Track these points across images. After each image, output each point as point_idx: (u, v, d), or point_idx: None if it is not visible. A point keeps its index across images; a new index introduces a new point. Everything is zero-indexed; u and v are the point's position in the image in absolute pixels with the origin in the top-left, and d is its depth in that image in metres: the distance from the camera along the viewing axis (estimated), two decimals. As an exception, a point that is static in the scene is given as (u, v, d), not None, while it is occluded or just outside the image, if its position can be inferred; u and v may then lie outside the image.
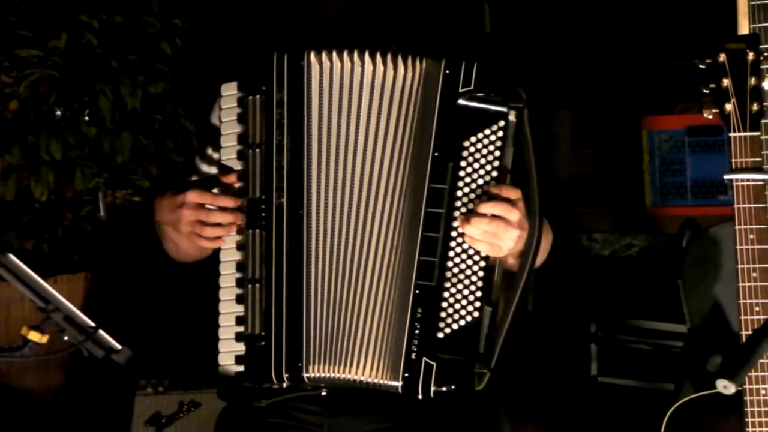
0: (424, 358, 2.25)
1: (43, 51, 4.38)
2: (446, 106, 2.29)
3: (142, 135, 4.54)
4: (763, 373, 2.40)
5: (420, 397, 2.26)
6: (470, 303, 2.25)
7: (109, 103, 4.36)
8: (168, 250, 2.62)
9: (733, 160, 2.41)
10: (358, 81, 2.34)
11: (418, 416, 2.35)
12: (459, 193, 2.27)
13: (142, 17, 4.58)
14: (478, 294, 2.25)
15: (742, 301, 2.41)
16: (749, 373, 2.39)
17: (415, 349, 2.26)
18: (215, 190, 2.40)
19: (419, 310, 2.26)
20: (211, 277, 2.43)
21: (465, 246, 2.26)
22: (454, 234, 2.26)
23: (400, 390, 2.27)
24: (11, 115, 4.32)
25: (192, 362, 3.75)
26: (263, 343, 2.34)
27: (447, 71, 2.30)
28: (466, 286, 2.26)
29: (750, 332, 2.38)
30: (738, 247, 2.41)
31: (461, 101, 2.28)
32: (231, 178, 2.39)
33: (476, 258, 2.26)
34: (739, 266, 2.41)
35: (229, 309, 2.39)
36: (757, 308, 2.39)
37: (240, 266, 2.38)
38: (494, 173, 2.26)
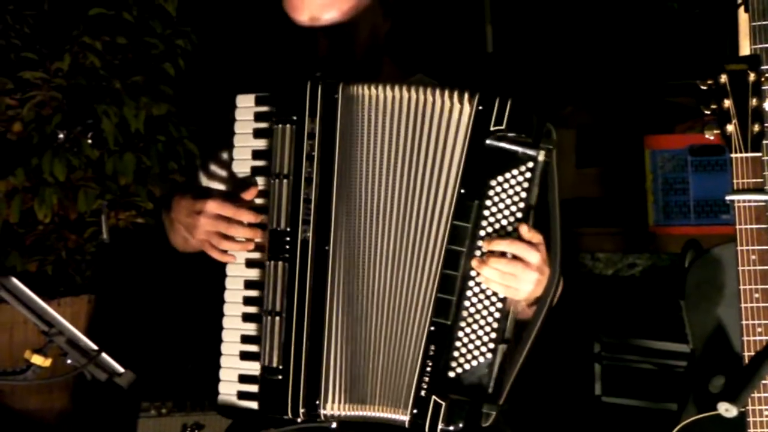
0: (434, 397, 2.23)
1: (46, 73, 4.39)
2: (475, 142, 2.25)
3: (146, 156, 4.54)
4: (765, 395, 2.40)
5: None
6: (484, 344, 2.23)
7: (113, 125, 4.37)
8: (174, 243, 2.60)
9: (735, 181, 2.41)
10: (389, 113, 2.31)
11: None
12: (482, 233, 2.24)
13: (145, 39, 4.59)
14: (493, 335, 2.22)
15: (744, 322, 2.40)
16: (752, 395, 2.38)
17: (425, 387, 2.24)
18: (234, 201, 2.38)
19: (432, 348, 2.24)
20: (214, 298, 2.42)
21: (483, 286, 2.23)
22: (473, 273, 2.23)
23: (406, 425, 2.26)
24: (15, 137, 4.33)
25: (195, 385, 3.75)
26: (280, 377, 2.32)
27: (480, 107, 2.25)
28: (481, 327, 2.23)
29: (752, 353, 2.38)
30: (740, 268, 2.41)
31: (491, 140, 2.24)
32: (251, 194, 2.39)
33: (493, 299, 2.23)
34: (741, 287, 2.41)
35: (234, 326, 2.37)
36: (759, 329, 2.39)
37: (248, 284, 2.37)
38: (519, 214, 2.23)
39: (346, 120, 2.32)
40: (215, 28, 4.92)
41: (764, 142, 2.41)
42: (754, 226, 2.40)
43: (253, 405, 2.36)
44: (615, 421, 4.48)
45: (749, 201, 2.40)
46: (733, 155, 2.41)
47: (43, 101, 4.37)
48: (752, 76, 2.38)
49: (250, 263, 2.38)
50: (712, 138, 2.44)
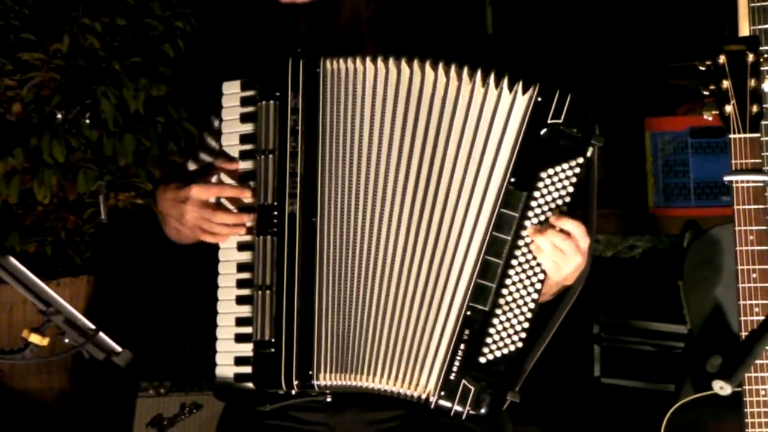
0: (464, 381, 2.24)
1: (45, 54, 4.39)
2: (530, 133, 2.24)
3: (145, 138, 4.55)
4: (762, 374, 2.40)
5: (451, 415, 2.26)
6: (516, 333, 2.23)
7: (112, 106, 4.38)
8: (168, 234, 2.61)
9: (733, 161, 2.41)
10: (392, 90, 2.30)
11: (423, 412, 2.34)
12: (527, 223, 2.24)
13: (144, 20, 4.59)
14: (525, 325, 2.23)
15: (741, 302, 2.41)
16: (749, 374, 2.39)
17: (455, 370, 2.25)
18: (216, 179, 2.40)
19: (467, 332, 2.25)
20: (212, 279, 2.42)
21: (522, 276, 2.23)
22: (514, 263, 2.24)
23: (432, 406, 2.27)
24: (14, 117, 4.33)
25: (193, 364, 3.76)
26: (273, 350, 2.32)
27: (539, 98, 2.25)
28: (515, 316, 2.23)
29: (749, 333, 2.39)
30: (738, 248, 2.41)
31: (546, 132, 2.24)
32: (233, 166, 2.38)
33: (530, 289, 2.23)
34: (739, 267, 2.41)
35: (228, 309, 2.38)
36: (756, 309, 2.40)
37: (241, 267, 2.38)
38: (564, 208, 2.24)
39: (333, 95, 2.33)
40: (206, 12, 4.92)
41: (763, 122, 2.41)
42: (752, 207, 2.40)
43: (250, 385, 2.36)
44: (614, 402, 4.49)
45: (747, 181, 2.40)
46: (731, 136, 2.41)
47: (42, 82, 4.37)
48: (751, 57, 2.38)
49: (241, 246, 2.38)
50: (710, 119, 2.44)
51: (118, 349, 2.30)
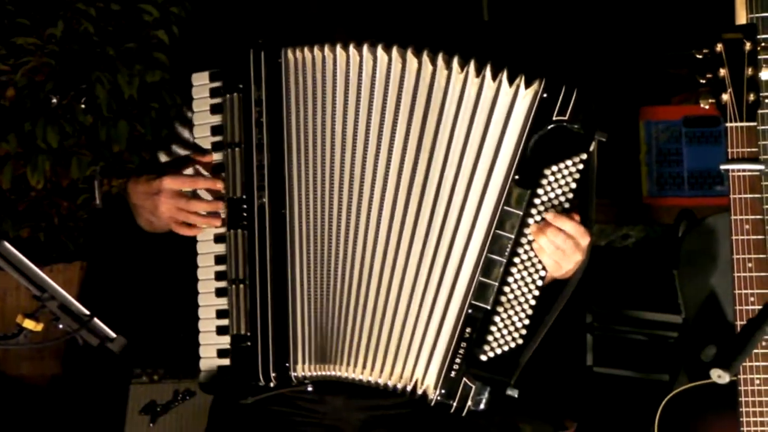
0: (464, 378, 2.25)
1: (39, 39, 4.39)
2: (535, 130, 2.22)
3: (139, 124, 4.54)
4: (757, 363, 2.41)
5: (451, 412, 2.26)
6: (517, 330, 2.23)
7: (106, 92, 4.36)
8: (141, 225, 2.59)
9: (730, 150, 2.41)
10: (344, 75, 2.28)
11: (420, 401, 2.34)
12: (530, 221, 2.23)
13: (139, 5, 4.58)
14: (526, 322, 2.23)
15: (737, 291, 2.41)
16: (743, 363, 2.39)
17: (456, 367, 2.25)
18: (189, 171, 2.39)
19: (468, 330, 2.25)
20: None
21: (524, 274, 2.23)
22: (516, 260, 2.23)
23: (432, 402, 2.28)
24: (8, 102, 4.32)
25: (187, 351, 3.75)
26: (249, 344, 2.33)
27: (544, 95, 2.23)
28: (516, 313, 2.23)
29: (745, 323, 2.38)
30: (733, 237, 2.41)
31: (551, 128, 2.22)
32: (206, 159, 2.38)
33: (531, 287, 2.23)
34: (735, 256, 2.41)
35: (208, 302, 2.38)
36: (752, 298, 2.39)
37: (219, 259, 2.38)
38: (566, 204, 2.22)
39: (299, 85, 2.31)
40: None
41: (759, 111, 2.41)
42: (748, 196, 2.40)
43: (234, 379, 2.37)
44: (607, 391, 4.49)
45: (744, 170, 2.40)
46: (728, 124, 2.40)
47: (36, 67, 4.37)
48: (748, 45, 2.38)
49: (218, 238, 2.38)
50: (707, 107, 2.43)
51: (113, 335, 2.30)
